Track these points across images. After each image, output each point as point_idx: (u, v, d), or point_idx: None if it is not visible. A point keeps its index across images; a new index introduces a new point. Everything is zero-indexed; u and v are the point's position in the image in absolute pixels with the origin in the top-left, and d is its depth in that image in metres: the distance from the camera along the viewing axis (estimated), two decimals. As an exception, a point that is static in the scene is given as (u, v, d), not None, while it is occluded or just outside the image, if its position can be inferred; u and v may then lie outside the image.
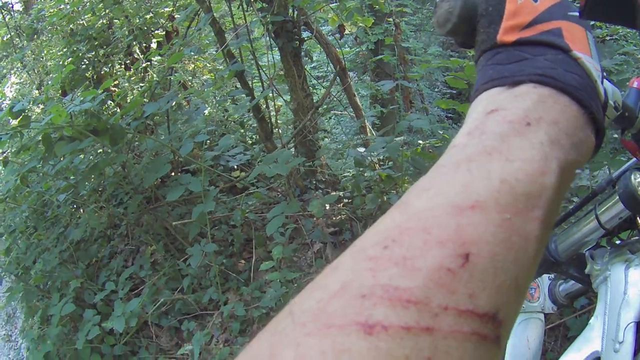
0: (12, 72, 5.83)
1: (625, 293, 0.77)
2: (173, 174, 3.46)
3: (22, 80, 5.87)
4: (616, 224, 0.78)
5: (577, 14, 0.39)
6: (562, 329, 2.01)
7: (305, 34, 3.48)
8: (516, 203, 0.28)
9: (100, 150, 3.20)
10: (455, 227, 0.26)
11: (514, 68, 0.36)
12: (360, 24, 3.61)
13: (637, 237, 0.80)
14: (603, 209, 0.79)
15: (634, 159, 0.74)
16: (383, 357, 0.21)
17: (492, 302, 0.25)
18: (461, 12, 0.40)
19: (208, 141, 3.65)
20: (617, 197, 0.75)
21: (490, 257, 0.25)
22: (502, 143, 0.30)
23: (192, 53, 3.34)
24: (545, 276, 1.04)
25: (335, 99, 3.75)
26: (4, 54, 5.48)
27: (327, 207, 3.01)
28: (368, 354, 0.21)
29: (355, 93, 3.80)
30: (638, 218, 0.77)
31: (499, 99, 0.34)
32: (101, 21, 4.24)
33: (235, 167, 3.49)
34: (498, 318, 0.25)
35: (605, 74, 0.45)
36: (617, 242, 0.84)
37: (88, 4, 4.10)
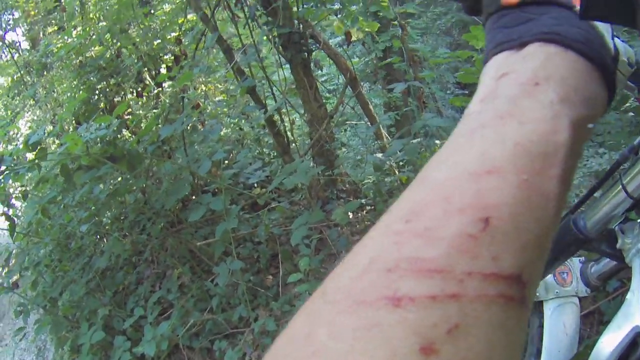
0: (25, 109, 5.90)
1: None
2: (194, 197, 3.45)
3: (36, 117, 5.93)
4: None
5: None
6: (596, 315, 1.96)
7: (312, 47, 3.48)
8: (532, 164, 0.28)
9: (119, 178, 3.22)
10: (474, 193, 0.27)
11: (521, 29, 0.36)
12: (367, 29, 3.59)
13: None
14: (629, 178, 0.75)
15: None
16: (411, 327, 0.22)
17: (515, 263, 0.25)
18: None
19: (226, 160, 3.65)
20: None
21: (511, 218, 0.26)
22: (514, 106, 0.31)
23: (201, 72, 3.36)
24: (576, 259, 1.01)
25: (348, 106, 3.74)
26: (15, 92, 5.55)
27: (351, 215, 2.98)
28: (397, 326, 0.22)
29: (369, 102, 3.78)
30: None
31: (509, 62, 0.35)
32: (109, 51, 4.29)
33: (255, 184, 3.49)
34: (522, 279, 0.25)
35: (614, 33, 0.44)
36: None
37: (95, 35, 4.15)
